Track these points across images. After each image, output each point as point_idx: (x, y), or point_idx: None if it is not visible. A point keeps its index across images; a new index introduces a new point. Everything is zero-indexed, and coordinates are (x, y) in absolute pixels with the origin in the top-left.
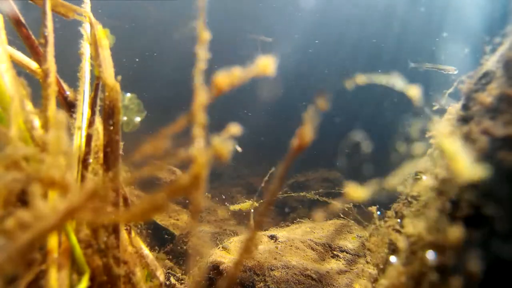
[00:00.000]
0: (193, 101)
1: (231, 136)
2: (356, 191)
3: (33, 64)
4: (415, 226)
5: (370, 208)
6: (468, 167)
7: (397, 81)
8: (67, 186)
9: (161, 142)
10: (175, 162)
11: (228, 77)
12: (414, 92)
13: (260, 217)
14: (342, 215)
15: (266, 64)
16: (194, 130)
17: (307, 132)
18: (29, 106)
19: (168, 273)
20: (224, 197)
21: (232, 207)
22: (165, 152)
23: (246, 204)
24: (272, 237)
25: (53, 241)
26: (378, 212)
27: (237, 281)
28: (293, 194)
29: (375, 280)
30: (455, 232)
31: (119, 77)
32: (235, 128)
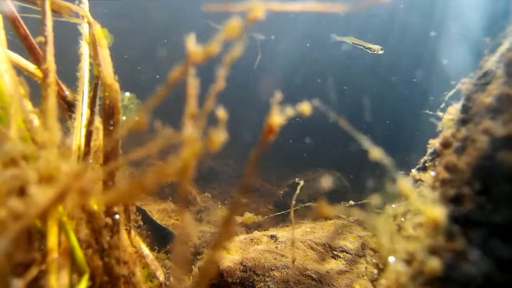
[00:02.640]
0: (186, 91)
1: (223, 126)
2: (327, 209)
3: (30, 66)
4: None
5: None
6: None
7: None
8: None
9: (143, 117)
10: (165, 147)
11: (203, 51)
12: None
13: (237, 201)
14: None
15: (234, 27)
16: (185, 118)
17: (275, 117)
18: (28, 106)
19: (168, 273)
20: (225, 197)
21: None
22: (156, 136)
23: (250, 217)
24: (272, 237)
25: (53, 241)
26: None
27: (236, 281)
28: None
29: (375, 280)
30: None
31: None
32: (222, 114)
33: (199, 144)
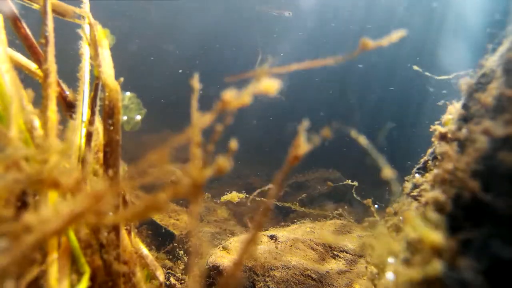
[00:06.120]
0: (190, 124)
1: (232, 154)
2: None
3: (32, 65)
4: (415, 229)
5: (365, 201)
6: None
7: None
8: (74, 188)
9: (165, 153)
10: (176, 171)
11: (237, 98)
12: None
13: (259, 219)
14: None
15: (270, 85)
16: (192, 149)
17: (301, 144)
18: (29, 107)
19: (168, 273)
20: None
21: (222, 198)
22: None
23: (233, 195)
24: (272, 237)
25: (53, 241)
26: (376, 206)
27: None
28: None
29: (375, 280)
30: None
31: (121, 79)
32: (234, 144)
33: (205, 174)
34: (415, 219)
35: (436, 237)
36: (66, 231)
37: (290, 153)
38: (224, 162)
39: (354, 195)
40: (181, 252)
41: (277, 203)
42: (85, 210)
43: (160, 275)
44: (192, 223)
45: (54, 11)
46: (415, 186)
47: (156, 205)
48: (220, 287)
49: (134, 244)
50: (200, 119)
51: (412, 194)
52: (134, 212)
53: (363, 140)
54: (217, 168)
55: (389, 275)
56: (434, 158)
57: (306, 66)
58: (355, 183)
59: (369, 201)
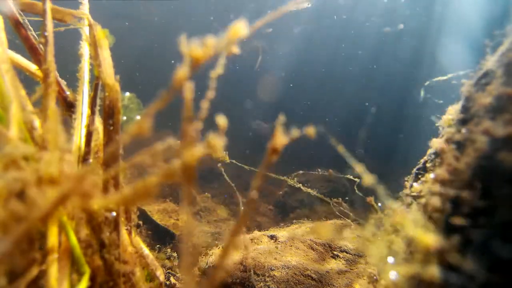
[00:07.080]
0: (184, 98)
1: (223, 132)
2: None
3: (32, 66)
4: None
5: (368, 199)
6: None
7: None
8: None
9: (146, 121)
10: (168, 155)
11: (203, 48)
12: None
13: (245, 211)
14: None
15: (237, 29)
16: (184, 126)
17: (280, 136)
18: (29, 106)
19: (168, 273)
20: (225, 196)
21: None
22: (156, 144)
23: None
24: (272, 237)
25: (53, 241)
26: (379, 204)
27: (236, 281)
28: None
29: (375, 280)
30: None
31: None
32: (222, 120)
33: (199, 151)
34: (411, 220)
35: (431, 238)
36: (57, 216)
37: (268, 146)
38: (215, 139)
39: (356, 191)
40: (174, 253)
41: (273, 175)
42: (70, 191)
43: (160, 275)
44: (186, 214)
45: (56, 18)
46: (414, 186)
47: (146, 190)
48: (209, 279)
49: (135, 243)
50: (190, 87)
51: (411, 195)
52: (123, 197)
53: (341, 148)
54: (208, 145)
55: (392, 274)
56: (434, 158)
57: (283, 11)
58: (357, 180)
59: (371, 199)
